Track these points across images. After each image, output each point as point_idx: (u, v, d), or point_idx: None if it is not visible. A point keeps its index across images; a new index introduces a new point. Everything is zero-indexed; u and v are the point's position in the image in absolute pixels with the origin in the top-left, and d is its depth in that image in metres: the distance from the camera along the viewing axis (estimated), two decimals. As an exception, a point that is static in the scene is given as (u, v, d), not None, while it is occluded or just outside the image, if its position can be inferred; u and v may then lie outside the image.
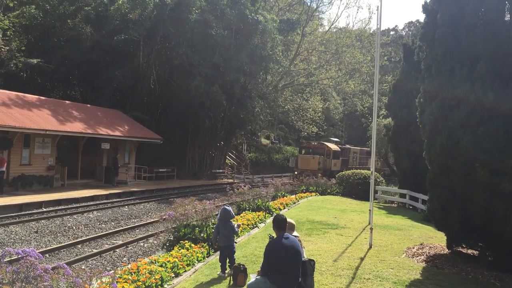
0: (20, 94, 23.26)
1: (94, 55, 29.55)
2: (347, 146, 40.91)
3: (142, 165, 29.34)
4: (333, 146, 34.85)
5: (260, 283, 5.40)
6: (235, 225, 7.86)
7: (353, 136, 67.41)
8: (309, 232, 11.40)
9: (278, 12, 44.62)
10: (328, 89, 52.69)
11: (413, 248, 9.87)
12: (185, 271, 7.85)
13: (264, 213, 13.88)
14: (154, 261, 7.58)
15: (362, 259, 8.66)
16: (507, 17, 8.23)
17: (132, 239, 13.01)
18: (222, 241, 7.64)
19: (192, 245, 8.92)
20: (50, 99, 26.36)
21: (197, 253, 8.59)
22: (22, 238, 12.43)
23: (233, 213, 8.11)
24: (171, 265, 7.61)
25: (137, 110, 31.29)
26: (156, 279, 6.74)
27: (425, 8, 9.62)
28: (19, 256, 4.68)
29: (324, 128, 54.80)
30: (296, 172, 32.23)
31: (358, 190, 23.87)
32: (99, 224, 15.19)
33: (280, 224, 5.54)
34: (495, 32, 7.94)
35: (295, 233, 6.30)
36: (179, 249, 8.63)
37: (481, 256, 9.02)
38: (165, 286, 6.93)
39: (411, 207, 21.61)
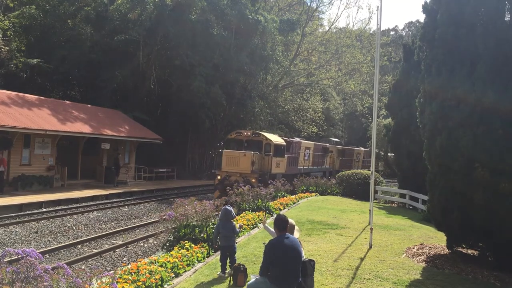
0: (20, 94, 23.25)
1: (94, 55, 29.55)
2: (297, 139, 29.04)
3: (142, 165, 29.34)
4: (275, 138, 23.73)
5: (260, 283, 5.40)
6: (237, 226, 7.87)
7: (353, 136, 67.44)
8: (309, 232, 11.40)
9: (278, 12, 44.62)
10: (328, 89, 52.66)
11: (413, 248, 9.87)
12: (185, 271, 7.85)
13: (264, 213, 13.87)
14: (154, 261, 7.57)
15: (362, 259, 8.66)
16: (507, 17, 8.23)
17: (132, 239, 13.01)
18: (223, 241, 7.65)
19: (192, 245, 8.92)
20: (50, 99, 26.35)
21: (197, 253, 8.59)
22: (22, 238, 12.43)
23: (234, 214, 8.12)
24: (171, 265, 7.61)
25: (137, 110, 31.29)
26: (156, 279, 6.74)
27: (425, 8, 9.62)
28: (19, 256, 4.68)
29: (324, 128, 54.78)
30: (218, 177, 21.03)
31: (358, 190, 23.86)
32: (99, 224, 15.19)
33: (282, 224, 5.55)
34: (495, 32, 7.94)
35: (296, 234, 6.30)
36: (179, 249, 8.62)
37: (481, 256, 9.03)
38: (165, 286, 6.93)
39: (411, 207, 21.61)
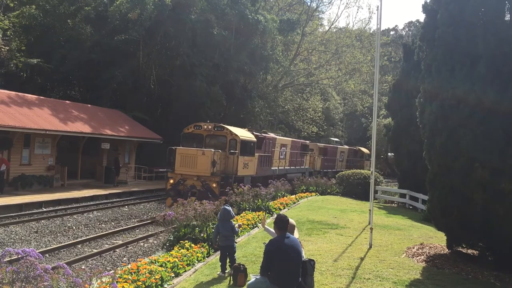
0: (20, 94, 23.25)
1: (94, 55, 29.55)
2: (271, 134, 25.14)
3: (142, 165, 29.34)
4: (243, 133, 19.75)
5: (260, 283, 5.41)
6: (236, 225, 7.87)
7: (353, 136, 67.42)
8: (309, 232, 11.40)
9: (278, 12, 44.61)
10: (328, 89, 52.66)
11: (413, 248, 9.87)
12: (185, 271, 7.85)
13: (264, 213, 13.86)
14: (154, 261, 7.57)
15: (362, 259, 8.66)
16: (507, 17, 8.24)
17: (132, 239, 13.01)
18: (222, 241, 7.65)
19: (192, 245, 8.92)
20: (50, 99, 26.36)
21: (197, 253, 8.59)
22: (22, 238, 12.43)
23: (233, 213, 8.12)
24: (171, 265, 7.61)
25: (137, 110, 31.29)
26: (156, 279, 6.74)
27: (425, 8, 9.63)
28: (19, 256, 4.68)
29: (324, 128, 54.76)
30: (171, 181, 17.54)
31: (358, 190, 23.86)
32: (99, 224, 15.19)
33: (282, 224, 5.55)
34: (495, 32, 7.94)
35: (295, 234, 6.30)
36: (179, 249, 8.63)
37: (481, 256, 9.03)
38: (165, 286, 6.93)
39: (411, 207, 21.61)
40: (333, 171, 34.96)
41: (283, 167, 25.76)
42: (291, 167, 27.17)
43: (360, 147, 47.36)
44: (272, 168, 23.65)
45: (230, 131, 18.74)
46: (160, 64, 33.84)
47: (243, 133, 19.77)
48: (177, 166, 17.47)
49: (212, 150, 17.56)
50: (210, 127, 18.97)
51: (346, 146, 42.52)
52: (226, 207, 7.86)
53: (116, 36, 29.33)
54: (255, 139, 20.31)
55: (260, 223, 12.42)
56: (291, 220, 6.34)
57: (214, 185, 16.90)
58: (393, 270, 7.88)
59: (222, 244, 7.67)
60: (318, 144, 35.10)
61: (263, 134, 22.96)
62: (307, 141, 32.29)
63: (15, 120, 19.23)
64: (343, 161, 40.22)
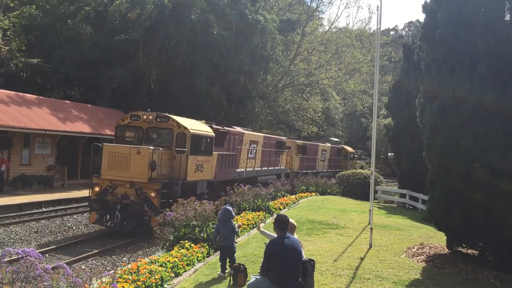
0: (20, 93, 23.26)
1: (94, 55, 29.53)
2: (237, 129, 20.51)
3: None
4: (195, 126, 15.48)
5: (260, 283, 5.41)
6: (236, 225, 7.87)
7: (353, 136, 67.45)
8: (309, 232, 11.41)
9: (278, 12, 44.61)
10: (328, 89, 52.66)
11: (413, 248, 9.87)
12: (185, 271, 7.85)
13: (264, 213, 13.88)
14: (154, 261, 7.57)
15: (362, 259, 8.66)
16: (507, 17, 8.24)
17: (132, 238, 13.00)
18: (222, 241, 7.66)
19: (192, 245, 8.92)
20: (50, 99, 26.36)
21: (197, 253, 8.59)
22: (22, 238, 12.43)
23: (234, 213, 8.13)
24: (171, 265, 7.61)
25: (137, 110, 31.24)
26: (156, 279, 6.74)
27: (425, 8, 9.63)
28: (19, 256, 4.68)
29: (324, 128, 54.76)
30: (96, 188, 13.46)
31: (358, 190, 23.87)
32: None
33: (282, 224, 5.55)
34: (495, 32, 7.94)
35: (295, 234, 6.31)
36: (179, 249, 8.62)
37: (481, 256, 9.03)
38: (165, 286, 6.92)
39: (411, 207, 21.62)
40: (314, 172, 31.42)
41: (252, 168, 21.32)
42: (263, 168, 22.89)
43: (344, 145, 44.31)
44: (238, 169, 19.40)
45: (178, 123, 14.44)
46: (160, 64, 33.82)
47: (196, 126, 15.40)
48: (104, 168, 13.22)
49: (151, 147, 13.08)
50: (151, 117, 14.55)
51: (328, 144, 38.19)
52: (228, 207, 7.88)
53: (116, 36, 29.31)
54: (212, 134, 16.10)
55: (260, 223, 12.43)
56: (292, 221, 6.34)
57: (153, 194, 12.74)
58: (393, 270, 7.88)
59: (222, 244, 7.68)
60: (296, 141, 30.99)
61: (226, 128, 18.50)
62: (283, 138, 28.13)
63: (15, 120, 19.23)
64: (325, 161, 35.87)
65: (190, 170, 14.42)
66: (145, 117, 14.67)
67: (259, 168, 22.48)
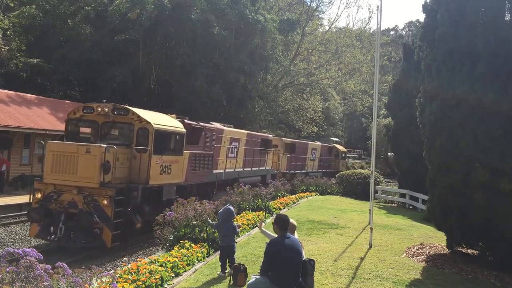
0: (20, 93, 23.26)
1: (94, 55, 29.53)
2: (216, 125, 18.26)
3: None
4: (160, 120, 13.24)
5: (260, 283, 5.41)
6: (236, 225, 7.89)
7: (353, 136, 67.49)
8: (309, 232, 11.41)
9: (278, 12, 44.62)
10: (328, 89, 52.68)
11: (413, 248, 9.88)
12: (185, 271, 7.85)
13: (264, 213, 13.88)
14: (154, 261, 7.57)
15: (362, 259, 8.66)
16: (507, 17, 8.24)
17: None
18: (223, 240, 7.66)
19: (192, 245, 8.92)
20: (50, 99, 26.35)
21: (197, 253, 8.59)
22: (22, 238, 12.42)
23: (235, 214, 8.17)
24: (171, 265, 7.61)
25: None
26: (156, 279, 6.74)
27: (425, 8, 9.64)
28: (19, 256, 4.68)
29: (324, 128, 54.77)
30: (38, 194, 11.10)
31: (358, 190, 23.87)
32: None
33: (283, 224, 5.56)
34: (495, 32, 7.95)
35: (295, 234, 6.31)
36: (179, 249, 8.63)
37: (481, 256, 9.03)
38: (165, 286, 6.92)
39: (411, 207, 21.63)
40: (303, 173, 29.16)
41: (232, 169, 18.90)
42: (246, 169, 20.51)
43: (335, 144, 41.81)
44: (216, 171, 16.91)
45: (139, 116, 12.22)
46: (160, 64, 33.82)
47: (162, 120, 13.10)
48: (47, 171, 11.03)
49: (103, 145, 10.88)
50: (107, 109, 12.25)
51: (318, 143, 35.69)
52: (230, 207, 7.90)
53: (116, 36, 29.31)
54: (183, 130, 13.64)
55: (259, 223, 12.43)
56: (292, 221, 6.34)
57: (106, 202, 10.58)
58: (393, 270, 7.88)
59: (223, 244, 7.68)
60: (283, 139, 28.29)
61: (201, 124, 16.18)
62: (270, 135, 25.43)
63: (15, 120, 19.24)
64: (315, 160, 33.37)
65: (153, 172, 12.04)
66: (99, 109, 12.36)
67: (241, 169, 20.01)
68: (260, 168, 22.49)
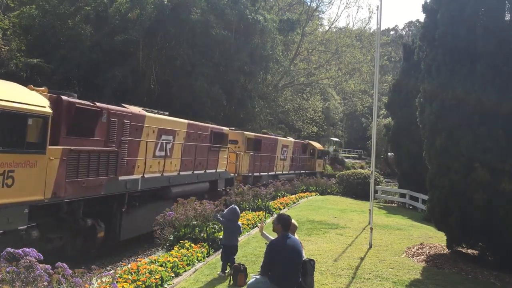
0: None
1: (94, 55, 29.53)
2: (130, 108, 12.21)
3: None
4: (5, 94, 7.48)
5: (260, 283, 5.41)
6: (240, 225, 7.99)
7: (353, 136, 67.51)
8: (309, 232, 11.41)
9: (278, 12, 44.62)
10: (328, 89, 52.70)
11: (413, 248, 9.88)
12: (185, 270, 7.85)
13: (264, 213, 13.88)
14: (154, 261, 7.57)
15: (362, 259, 8.66)
16: (507, 17, 8.25)
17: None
18: (227, 240, 7.68)
19: (192, 245, 8.92)
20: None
21: (197, 253, 8.59)
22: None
23: (239, 214, 8.26)
24: (171, 264, 7.61)
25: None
26: (156, 279, 6.74)
27: (425, 8, 9.64)
28: (19, 256, 4.68)
29: (324, 128, 54.77)
30: None
31: (358, 190, 23.89)
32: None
33: (286, 223, 5.56)
34: (495, 32, 7.95)
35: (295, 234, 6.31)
36: (179, 249, 8.62)
37: (481, 256, 9.03)
38: (165, 286, 6.92)
39: (411, 207, 21.64)
40: (271, 175, 24.16)
41: (159, 173, 13.12)
42: (184, 173, 14.59)
43: (310, 141, 36.05)
44: (124, 178, 11.25)
45: None
46: (160, 64, 33.84)
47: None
48: None
49: None
50: None
51: (291, 139, 30.58)
52: (236, 208, 7.96)
53: (116, 36, 29.31)
54: (45, 111, 8.49)
55: (260, 223, 12.43)
56: (294, 221, 6.35)
57: None
58: (393, 270, 7.88)
59: (227, 244, 7.69)
60: (245, 133, 22.04)
61: (99, 105, 10.80)
62: (224, 128, 19.13)
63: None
64: (286, 160, 27.91)
65: None
66: None
67: (177, 173, 14.11)
68: (209, 171, 16.43)
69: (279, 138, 27.35)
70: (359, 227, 12.76)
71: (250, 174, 21.61)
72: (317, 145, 35.97)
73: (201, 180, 15.82)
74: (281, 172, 26.58)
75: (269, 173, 24.36)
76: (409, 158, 20.68)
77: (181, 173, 14.52)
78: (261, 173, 23.02)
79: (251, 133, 23.12)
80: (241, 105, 36.02)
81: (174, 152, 14.37)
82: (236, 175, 19.72)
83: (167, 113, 15.37)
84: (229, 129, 20.01)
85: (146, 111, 13.38)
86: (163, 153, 13.65)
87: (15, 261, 4.50)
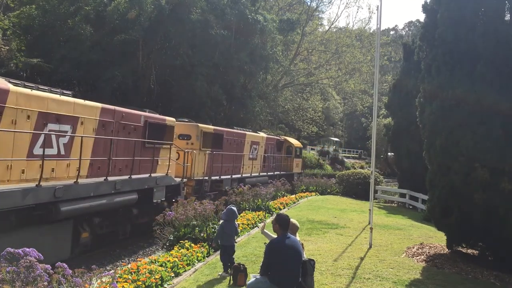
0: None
1: (94, 55, 29.53)
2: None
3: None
4: None
5: (260, 283, 5.41)
6: (237, 225, 7.97)
7: (353, 136, 67.53)
8: (309, 232, 11.41)
9: (278, 11, 44.62)
10: (328, 89, 52.72)
11: (413, 247, 9.87)
12: (185, 270, 7.85)
13: (264, 213, 13.88)
14: (154, 261, 7.57)
15: (362, 258, 8.66)
16: (507, 17, 8.25)
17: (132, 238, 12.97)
18: (225, 240, 7.68)
19: (192, 244, 8.92)
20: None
21: (197, 252, 8.59)
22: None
23: (237, 214, 8.23)
24: (171, 264, 7.61)
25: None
26: (156, 278, 6.74)
27: (425, 8, 9.64)
28: (19, 256, 4.68)
29: (324, 128, 54.78)
30: None
31: (358, 190, 23.89)
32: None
33: (284, 223, 5.56)
34: (495, 32, 7.95)
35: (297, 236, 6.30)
36: (179, 249, 8.63)
37: (481, 256, 9.03)
38: (165, 286, 6.92)
39: (411, 207, 21.64)
40: (235, 179, 19.60)
41: (35, 183, 8.15)
42: (90, 180, 9.93)
43: (287, 137, 31.01)
44: None
45: None
46: (160, 64, 33.83)
47: None
48: None
49: None
50: None
51: (262, 134, 25.67)
52: (233, 208, 7.93)
53: (116, 36, 29.31)
54: None
55: (260, 222, 12.44)
56: (295, 222, 6.34)
57: None
58: (393, 270, 7.88)
59: (224, 244, 7.69)
60: (200, 125, 17.39)
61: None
62: (168, 118, 14.57)
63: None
64: (257, 159, 23.20)
65: None
66: None
67: (72, 182, 9.16)
68: (138, 176, 11.87)
69: (247, 133, 22.25)
70: (359, 227, 12.76)
71: (207, 178, 17.04)
72: (294, 141, 30.68)
73: (124, 190, 10.82)
74: (249, 175, 21.65)
75: (233, 176, 19.57)
76: (409, 158, 20.69)
77: (83, 181, 9.58)
78: (222, 176, 18.43)
79: (209, 126, 18.38)
80: (241, 105, 36.03)
81: (75, 150, 9.57)
82: (185, 180, 15.01)
83: (69, 92, 10.74)
84: (178, 120, 15.90)
85: (15, 84, 8.94)
86: (52, 151, 9.10)
87: (15, 261, 4.51)
